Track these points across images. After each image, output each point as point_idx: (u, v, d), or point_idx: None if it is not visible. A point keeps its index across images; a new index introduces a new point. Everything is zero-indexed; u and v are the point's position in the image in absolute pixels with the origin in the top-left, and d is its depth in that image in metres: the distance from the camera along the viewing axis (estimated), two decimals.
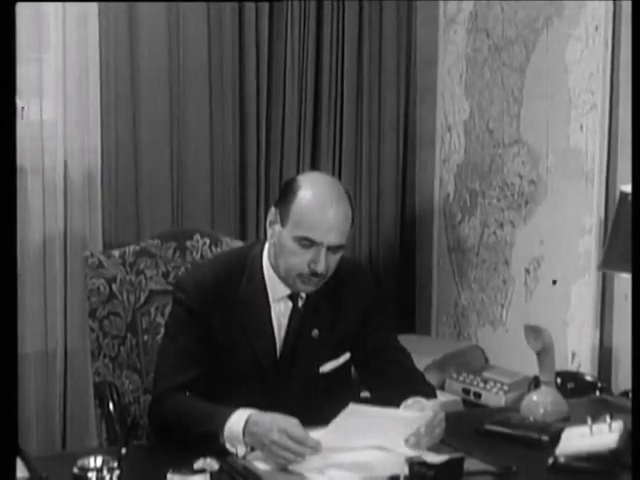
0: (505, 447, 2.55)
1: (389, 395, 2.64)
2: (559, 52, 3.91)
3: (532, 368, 3.02)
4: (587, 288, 3.81)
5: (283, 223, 2.56)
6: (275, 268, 2.62)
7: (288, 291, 2.64)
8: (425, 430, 2.45)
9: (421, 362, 3.64)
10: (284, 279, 2.61)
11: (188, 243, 3.08)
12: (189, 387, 2.56)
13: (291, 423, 2.36)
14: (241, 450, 2.38)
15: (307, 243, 2.52)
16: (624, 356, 3.69)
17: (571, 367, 3.80)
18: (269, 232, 2.62)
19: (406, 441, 2.44)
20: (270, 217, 2.62)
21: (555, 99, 3.93)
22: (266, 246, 2.67)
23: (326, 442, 2.35)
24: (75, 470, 2.16)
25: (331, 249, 2.54)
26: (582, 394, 3.26)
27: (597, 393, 3.33)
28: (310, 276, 2.55)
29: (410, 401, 2.56)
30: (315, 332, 2.66)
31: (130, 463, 2.20)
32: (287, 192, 2.58)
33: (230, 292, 2.64)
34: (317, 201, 2.53)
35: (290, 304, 2.66)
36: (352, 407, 2.36)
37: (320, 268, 2.53)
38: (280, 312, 2.66)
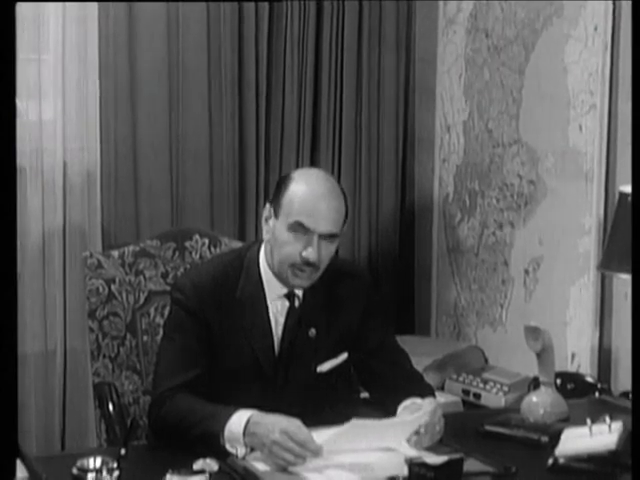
0: (505, 448, 2.55)
1: (388, 396, 2.66)
2: (558, 52, 3.91)
3: (532, 369, 3.02)
4: (586, 289, 3.81)
5: (277, 215, 2.58)
6: (271, 265, 2.63)
7: (285, 290, 2.65)
8: (425, 429, 2.45)
9: (420, 363, 3.65)
10: (278, 274, 2.61)
11: (187, 243, 3.08)
12: (188, 387, 2.56)
13: (294, 424, 2.36)
14: (241, 451, 2.38)
15: (300, 231, 2.53)
16: (624, 357, 3.69)
17: (571, 368, 3.80)
18: (264, 229, 2.64)
19: (408, 441, 2.45)
20: (265, 213, 2.64)
21: (554, 99, 3.93)
22: (263, 246, 2.67)
23: (328, 446, 2.35)
24: (74, 471, 2.16)
25: (324, 238, 2.54)
26: (582, 395, 3.26)
27: (597, 394, 3.33)
28: (303, 265, 2.55)
29: (408, 402, 2.57)
30: (312, 331, 2.66)
31: (129, 464, 2.20)
32: (280, 187, 2.60)
33: (228, 292, 2.64)
34: (309, 190, 2.55)
35: (287, 303, 2.66)
36: (354, 421, 2.37)
37: (312, 256, 2.53)
38: (277, 311, 2.66)
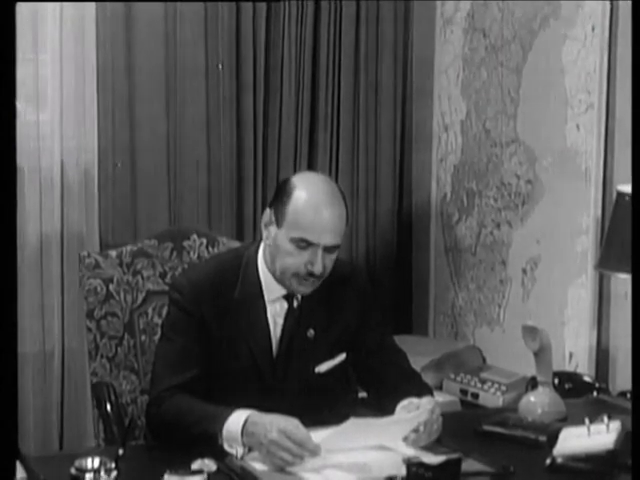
0: (503, 448, 2.55)
1: (386, 396, 2.65)
2: (556, 52, 3.91)
3: (530, 368, 3.02)
4: (584, 288, 3.81)
5: (279, 224, 2.56)
6: (271, 269, 2.62)
7: (284, 291, 2.64)
8: (423, 427, 2.45)
9: (418, 362, 3.64)
10: (280, 280, 2.61)
11: (185, 243, 3.08)
12: (186, 387, 2.56)
13: (292, 424, 2.36)
14: (239, 451, 2.38)
15: (303, 244, 2.52)
16: (621, 356, 3.69)
17: (568, 367, 3.80)
18: (264, 233, 2.62)
19: (405, 439, 2.45)
20: (265, 218, 2.62)
21: (552, 99, 3.93)
22: (261, 246, 2.67)
23: (326, 445, 2.35)
24: (72, 471, 2.16)
25: (327, 249, 2.54)
26: (580, 394, 3.26)
27: (594, 393, 3.33)
28: (307, 276, 2.55)
29: (406, 401, 2.57)
30: (310, 332, 2.66)
31: (127, 463, 2.20)
32: (282, 193, 2.58)
33: (226, 292, 2.63)
34: (312, 202, 2.52)
35: (285, 304, 2.66)
36: (352, 420, 2.37)
37: (317, 269, 2.53)
38: (276, 312, 2.66)
